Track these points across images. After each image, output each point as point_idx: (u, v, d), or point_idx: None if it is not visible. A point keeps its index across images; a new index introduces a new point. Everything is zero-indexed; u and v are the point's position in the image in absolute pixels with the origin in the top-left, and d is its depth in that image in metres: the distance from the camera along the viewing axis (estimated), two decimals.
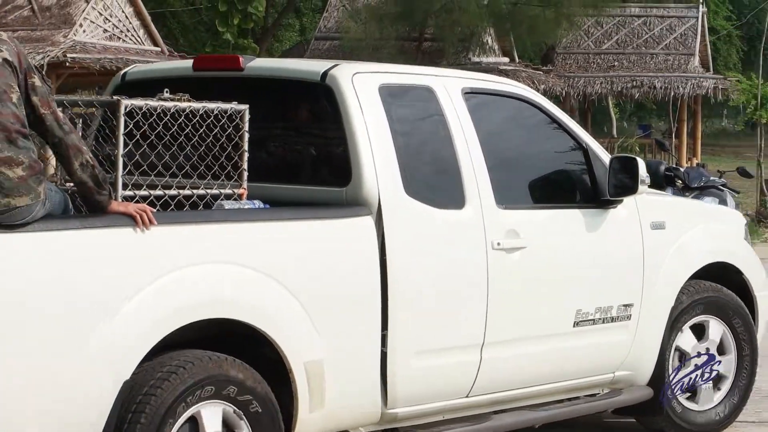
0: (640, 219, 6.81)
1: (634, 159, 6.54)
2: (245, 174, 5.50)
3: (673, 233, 6.99)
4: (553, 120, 6.62)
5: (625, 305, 6.72)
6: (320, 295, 5.40)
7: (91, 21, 20.05)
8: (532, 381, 6.37)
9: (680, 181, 12.38)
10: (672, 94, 26.22)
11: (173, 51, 22.37)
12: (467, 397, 6.08)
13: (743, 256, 7.46)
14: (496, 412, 6.25)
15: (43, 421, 4.58)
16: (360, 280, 5.55)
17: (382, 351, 5.65)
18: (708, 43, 32.60)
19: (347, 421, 5.64)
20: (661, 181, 11.21)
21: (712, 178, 12.91)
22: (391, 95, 5.84)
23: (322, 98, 5.76)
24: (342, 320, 5.49)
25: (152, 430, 4.81)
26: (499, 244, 6.06)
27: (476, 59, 21.19)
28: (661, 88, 26.36)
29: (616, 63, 27.65)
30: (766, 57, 40.85)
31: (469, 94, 6.21)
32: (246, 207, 5.40)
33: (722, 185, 12.58)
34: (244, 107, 5.48)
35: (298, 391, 5.32)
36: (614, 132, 38.82)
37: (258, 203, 5.46)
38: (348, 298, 5.51)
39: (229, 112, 5.44)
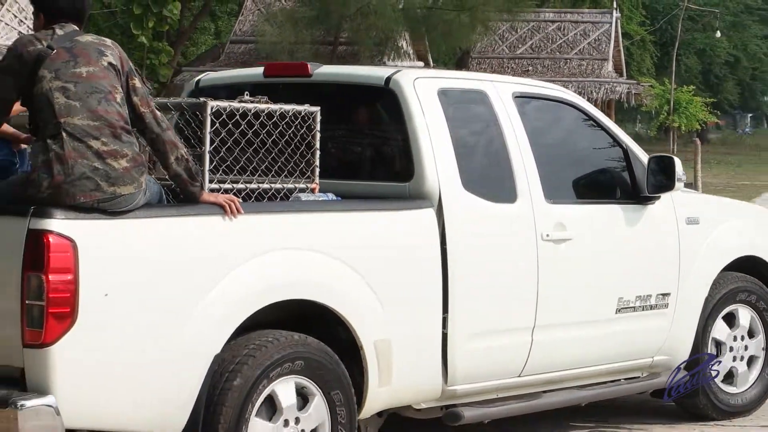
0: (676, 214, 7.32)
1: (672, 158, 7.06)
2: (317, 170, 6.01)
3: (706, 228, 7.49)
4: (595, 122, 7.14)
5: (663, 294, 7.22)
6: (387, 279, 5.91)
7: (6, 23, 20.30)
8: (578, 363, 6.87)
9: None
10: (586, 98, 26.96)
11: None
12: (519, 376, 6.59)
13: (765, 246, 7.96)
14: (545, 392, 6.75)
15: (146, 388, 5.10)
16: (423, 267, 6.07)
17: (442, 332, 6.15)
18: (622, 48, 32.54)
19: (411, 397, 6.14)
20: None
21: None
22: (448, 98, 6.37)
23: (386, 101, 6.28)
24: (407, 303, 6.00)
25: (240, 399, 5.32)
26: (547, 235, 6.57)
27: (391, 63, 21.15)
28: (575, 92, 27.38)
29: (530, 68, 27.56)
30: (679, 62, 41.47)
31: (519, 97, 6.74)
32: (320, 199, 5.92)
33: None
34: (316, 109, 5.99)
35: (368, 367, 5.83)
36: None
37: (331, 196, 5.98)
38: (412, 282, 6.03)
39: (302, 114, 5.96)
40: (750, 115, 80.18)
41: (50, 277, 4.84)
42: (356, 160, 6.51)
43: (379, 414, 6.21)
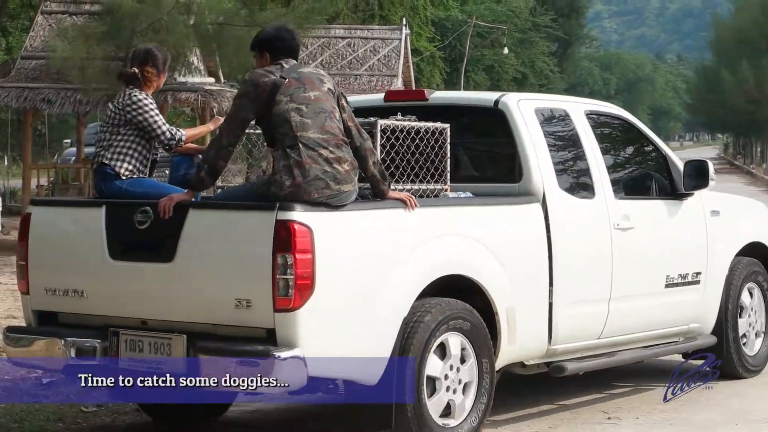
0: (703, 208, 9.01)
1: (706, 162, 8.76)
2: (448, 175, 7.52)
3: (725, 219, 9.20)
4: (642, 133, 8.81)
5: (696, 273, 8.89)
6: (512, 258, 7.45)
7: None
8: (639, 328, 8.50)
9: None
10: None
11: None
12: (599, 338, 8.18)
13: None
14: (616, 351, 8.36)
15: (360, 341, 6.56)
16: (535, 249, 7.63)
17: (549, 302, 7.72)
18: (411, 64, 32.94)
19: (526, 354, 7.69)
20: None
21: None
22: (542, 116, 7.96)
23: (496, 119, 7.84)
24: (525, 278, 7.55)
25: (421, 345, 6.78)
26: (617, 225, 8.19)
27: (182, 79, 20.99)
28: None
29: None
30: (467, 78, 42.40)
31: (589, 114, 8.37)
32: (462, 197, 7.45)
33: None
34: (446, 126, 7.51)
35: (501, 328, 7.36)
36: None
37: (468, 194, 7.52)
38: (528, 261, 7.59)
39: (436, 130, 7.46)
40: None
41: (297, 256, 6.29)
42: (473, 166, 8.03)
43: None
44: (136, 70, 7.63)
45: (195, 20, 19.31)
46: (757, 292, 9.49)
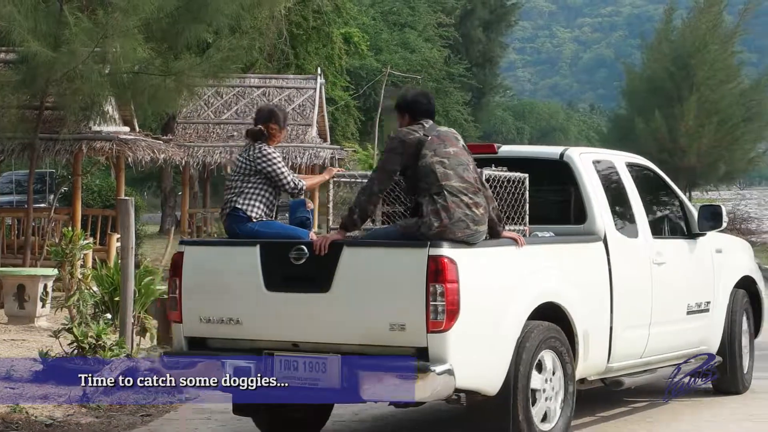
0: (711, 246, 10.49)
1: (719, 206, 10.25)
2: (527, 217, 8.81)
3: (726, 256, 10.71)
4: (665, 183, 10.27)
5: (707, 302, 10.36)
6: (586, 289, 8.77)
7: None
8: (668, 349, 9.91)
9: None
10: (290, 164, 25.67)
11: None
12: (640, 358, 9.54)
13: (755, 269, 11.25)
14: (655, 369, 9.75)
15: (491, 357, 7.78)
16: (600, 281, 8.97)
17: (609, 326, 9.05)
18: (326, 113, 33.27)
19: (592, 370, 9.00)
20: None
21: None
22: (597, 166, 9.33)
23: (562, 170, 9.17)
24: (595, 305, 8.87)
25: (528, 361, 8.03)
26: (655, 260, 9.59)
27: (97, 128, 20.90)
28: (280, 157, 27.06)
29: (235, 133, 27.75)
30: (382, 127, 42.56)
31: (628, 165, 9.78)
32: (548, 235, 8.76)
33: None
34: (526, 176, 8.79)
35: (579, 348, 8.66)
36: None
37: (551, 233, 8.83)
38: (596, 291, 8.92)
39: (521, 179, 8.74)
40: None
41: (447, 285, 7.49)
42: (544, 210, 9.32)
43: None
44: (262, 128, 8.74)
45: (110, 69, 19.37)
46: (746, 318, 11.01)
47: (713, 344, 10.53)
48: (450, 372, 7.49)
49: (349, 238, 7.95)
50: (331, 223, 8.74)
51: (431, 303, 7.49)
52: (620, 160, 9.78)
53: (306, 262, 7.85)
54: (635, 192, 9.66)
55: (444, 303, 7.48)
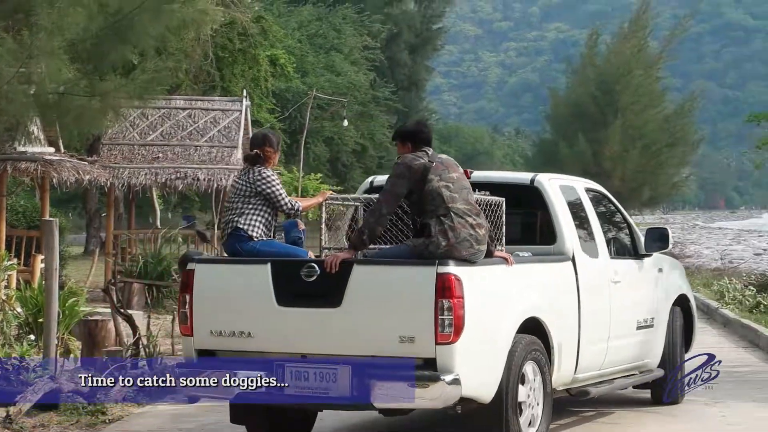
0: (654, 266, 11.32)
1: (666, 228, 11.08)
2: (504, 238, 9.48)
3: (666, 275, 11.55)
4: (616, 206, 11.06)
5: (651, 318, 11.17)
6: (558, 303, 9.48)
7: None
8: (621, 362, 10.67)
9: None
10: (215, 185, 25.58)
11: None
12: (599, 370, 10.29)
13: (687, 288, 12.12)
14: (612, 380, 10.51)
15: (488, 367, 8.41)
16: (570, 297, 9.69)
17: (577, 340, 9.76)
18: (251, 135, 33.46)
19: (562, 380, 9.69)
20: None
21: None
22: (563, 191, 10.06)
23: (532, 194, 9.88)
24: (566, 320, 9.59)
25: (518, 368, 8.69)
26: (612, 279, 10.36)
27: (22, 148, 20.90)
28: (204, 179, 25.66)
29: (160, 154, 27.10)
30: (308, 150, 41.82)
31: (587, 190, 10.54)
32: (525, 255, 9.45)
33: None
34: (503, 199, 9.46)
35: (555, 359, 9.35)
36: (158, 223, 39.68)
37: (529, 254, 9.51)
38: (567, 307, 9.63)
39: (498, 202, 9.41)
40: None
41: (454, 300, 8.11)
42: (515, 231, 9.98)
43: None
44: (258, 152, 9.26)
45: (35, 90, 18.93)
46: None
47: (656, 357, 11.33)
48: (457, 381, 8.10)
49: (359, 257, 8.53)
50: (324, 242, 9.26)
51: (439, 317, 8.09)
52: (580, 185, 10.54)
53: (317, 279, 8.38)
54: (594, 215, 10.42)
55: (451, 317, 8.09)
